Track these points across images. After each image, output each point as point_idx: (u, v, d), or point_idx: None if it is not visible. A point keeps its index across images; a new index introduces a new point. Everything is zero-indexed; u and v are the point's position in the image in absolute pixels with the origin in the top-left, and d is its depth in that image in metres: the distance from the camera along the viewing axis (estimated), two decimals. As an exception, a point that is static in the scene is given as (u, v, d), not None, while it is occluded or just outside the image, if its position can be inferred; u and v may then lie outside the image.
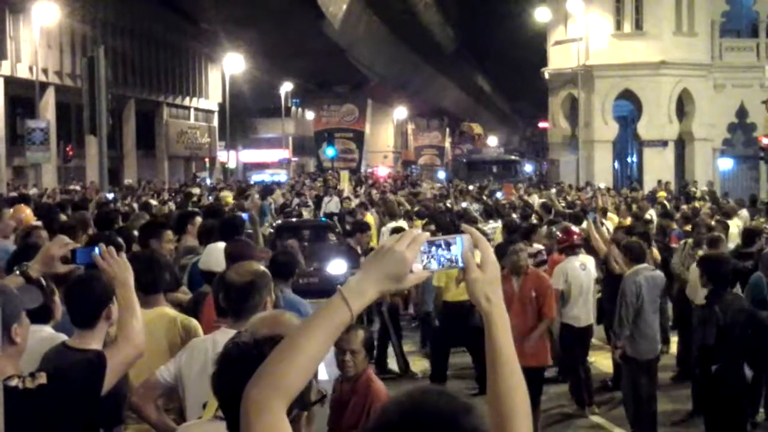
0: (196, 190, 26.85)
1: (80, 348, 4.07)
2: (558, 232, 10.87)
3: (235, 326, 4.10)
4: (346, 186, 27.79)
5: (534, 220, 14.88)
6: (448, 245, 2.00)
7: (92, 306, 4.15)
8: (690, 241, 11.60)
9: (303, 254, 15.68)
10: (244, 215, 10.69)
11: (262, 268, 4.48)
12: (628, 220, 15.10)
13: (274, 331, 2.37)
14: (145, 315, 4.97)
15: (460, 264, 2.01)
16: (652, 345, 8.70)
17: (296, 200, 26.08)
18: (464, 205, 22.28)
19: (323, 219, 22.42)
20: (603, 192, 24.88)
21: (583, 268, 10.01)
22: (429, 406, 1.74)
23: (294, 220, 20.94)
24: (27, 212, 10.02)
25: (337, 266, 17.01)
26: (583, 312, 9.97)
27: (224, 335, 3.98)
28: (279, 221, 20.58)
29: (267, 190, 27.86)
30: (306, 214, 22.70)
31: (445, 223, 15.04)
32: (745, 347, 7.18)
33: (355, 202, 22.25)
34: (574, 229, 10.90)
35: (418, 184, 37.95)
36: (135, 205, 16.75)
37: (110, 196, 17.71)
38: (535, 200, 22.25)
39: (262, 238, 9.39)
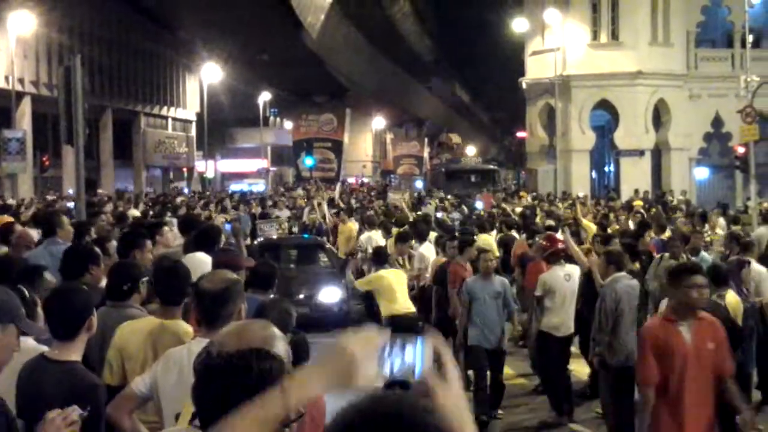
0: (178, 199, 26.78)
1: (59, 360, 4.04)
2: (541, 241, 10.88)
3: (209, 335, 4.03)
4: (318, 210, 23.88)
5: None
6: (406, 347, 1.87)
7: (72, 318, 4.12)
8: (666, 255, 11.53)
9: (290, 278, 14.30)
10: (227, 226, 10.65)
11: (235, 276, 4.43)
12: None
13: (241, 345, 2.33)
14: (158, 324, 4.96)
15: (418, 372, 1.86)
16: (630, 353, 8.72)
17: (276, 212, 25.24)
18: (439, 215, 22.10)
19: (306, 235, 20.31)
20: (582, 200, 24.99)
21: (567, 279, 10.03)
22: (389, 406, 1.70)
23: (275, 237, 18.53)
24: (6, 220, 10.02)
25: (330, 294, 15.06)
26: (565, 322, 9.99)
27: (199, 345, 3.93)
28: (260, 239, 18.11)
29: (244, 199, 27.73)
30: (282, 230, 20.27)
31: (422, 231, 15.04)
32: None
33: (327, 213, 20.95)
34: (558, 236, 10.94)
35: (385, 191, 37.09)
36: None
37: (71, 204, 17.31)
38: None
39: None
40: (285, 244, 17.76)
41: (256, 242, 17.57)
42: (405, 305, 10.90)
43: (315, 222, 21.48)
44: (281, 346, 2.67)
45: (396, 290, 10.93)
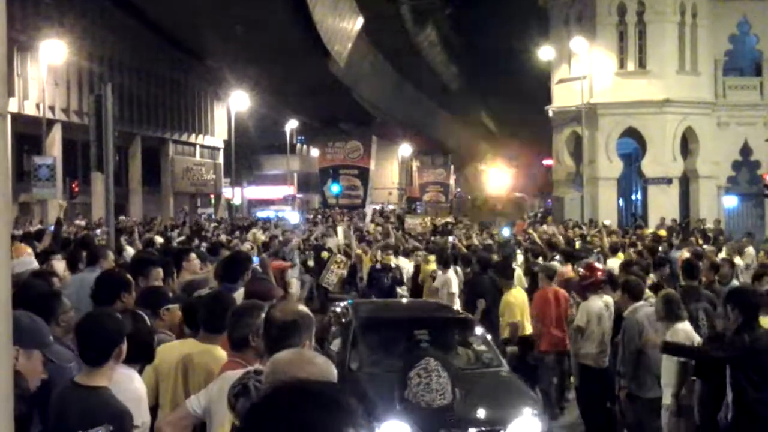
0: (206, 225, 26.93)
1: (88, 386, 4.08)
2: (581, 269, 10.66)
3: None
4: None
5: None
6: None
7: (103, 344, 4.15)
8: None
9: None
10: (256, 259, 10.65)
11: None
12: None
13: (299, 373, 2.33)
14: (192, 347, 5.04)
15: None
16: (657, 383, 8.63)
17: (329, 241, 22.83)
18: (451, 239, 21.74)
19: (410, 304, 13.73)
20: (610, 229, 24.78)
21: (606, 309, 9.86)
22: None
23: (387, 304, 12.65)
24: (28, 251, 10.06)
25: (528, 425, 8.20)
26: (602, 353, 9.82)
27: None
28: (349, 305, 10.96)
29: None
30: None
31: (446, 257, 15.01)
32: None
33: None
34: (598, 265, 10.76)
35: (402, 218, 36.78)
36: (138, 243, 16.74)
37: (98, 231, 17.51)
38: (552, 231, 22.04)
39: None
40: (404, 320, 10.44)
41: (349, 308, 10.76)
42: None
43: (397, 267, 16.48)
44: (335, 372, 2.71)
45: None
